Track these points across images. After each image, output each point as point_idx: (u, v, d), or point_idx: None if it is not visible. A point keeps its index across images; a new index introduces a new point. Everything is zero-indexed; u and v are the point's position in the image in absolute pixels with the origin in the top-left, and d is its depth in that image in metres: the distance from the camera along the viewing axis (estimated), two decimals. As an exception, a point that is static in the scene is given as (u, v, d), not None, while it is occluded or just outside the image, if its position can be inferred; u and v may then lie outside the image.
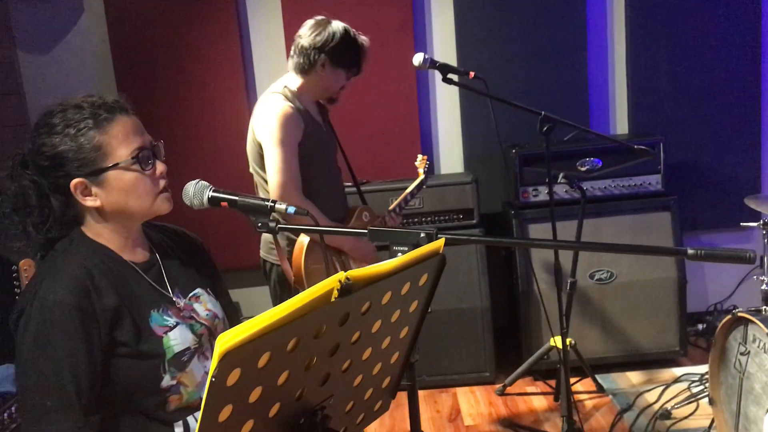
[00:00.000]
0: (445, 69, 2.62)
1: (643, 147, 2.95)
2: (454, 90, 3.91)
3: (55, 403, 1.38)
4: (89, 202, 1.50)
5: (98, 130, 1.47)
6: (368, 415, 1.45)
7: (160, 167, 1.55)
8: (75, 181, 1.48)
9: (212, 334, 1.63)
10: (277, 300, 2.66)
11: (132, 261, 1.57)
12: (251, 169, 2.58)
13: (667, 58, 3.91)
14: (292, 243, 2.49)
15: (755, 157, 4.01)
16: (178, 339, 1.53)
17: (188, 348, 1.54)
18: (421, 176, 3.04)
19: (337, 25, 2.53)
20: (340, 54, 2.53)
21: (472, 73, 2.67)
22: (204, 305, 1.65)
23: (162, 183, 1.55)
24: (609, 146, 3.54)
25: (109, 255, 1.54)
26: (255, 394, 1.04)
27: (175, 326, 1.54)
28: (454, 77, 2.63)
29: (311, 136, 2.51)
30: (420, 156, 3.10)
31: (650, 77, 3.94)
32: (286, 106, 2.44)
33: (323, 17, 2.56)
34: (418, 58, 2.61)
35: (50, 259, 1.50)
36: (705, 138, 3.97)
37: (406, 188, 2.98)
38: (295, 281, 2.44)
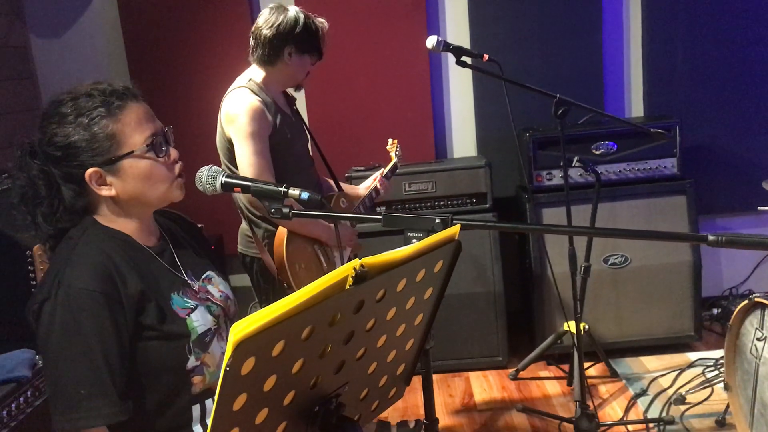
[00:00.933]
0: (458, 52, 2.59)
1: (659, 130, 2.90)
2: (467, 73, 3.88)
3: (90, 390, 1.38)
4: (105, 191, 1.49)
5: (111, 118, 1.46)
6: (383, 402, 1.45)
7: (174, 153, 1.55)
8: (90, 171, 1.46)
9: (227, 315, 1.65)
10: (261, 293, 2.63)
11: (146, 245, 1.57)
12: (222, 165, 2.52)
13: (684, 40, 3.85)
14: (271, 235, 2.46)
15: (773, 140, 3.95)
16: (199, 320, 1.54)
17: (209, 329, 1.56)
18: (394, 160, 3.01)
19: (296, 11, 2.47)
20: (305, 40, 2.48)
21: (486, 56, 2.64)
22: (216, 287, 1.67)
23: (177, 168, 1.55)
24: (624, 129, 3.49)
25: (126, 240, 1.53)
26: (269, 383, 1.04)
27: (195, 308, 1.55)
28: (468, 60, 2.60)
29: (280, 128, 2.48)
30: (390, 140, 3.06)
31: (666, 59, 3.88)
32: (253, 100, 2.40)
33: (278, 4, 2.50)
34: (431, 41, 2.58)
35: (66, 247, 1.49)
36: (722, 121, 3.91)
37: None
38: (278, 273, 2.42)
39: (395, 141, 3.06)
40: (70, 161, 1.46)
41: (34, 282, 2.52)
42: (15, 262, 2.74)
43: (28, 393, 2.36)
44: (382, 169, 2.96)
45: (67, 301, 1.39)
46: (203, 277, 1.66)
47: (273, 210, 1.52)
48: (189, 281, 1.60)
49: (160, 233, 1.64)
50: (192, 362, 1.51)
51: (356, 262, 1.07)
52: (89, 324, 1.39)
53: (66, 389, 1.39)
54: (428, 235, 1.30)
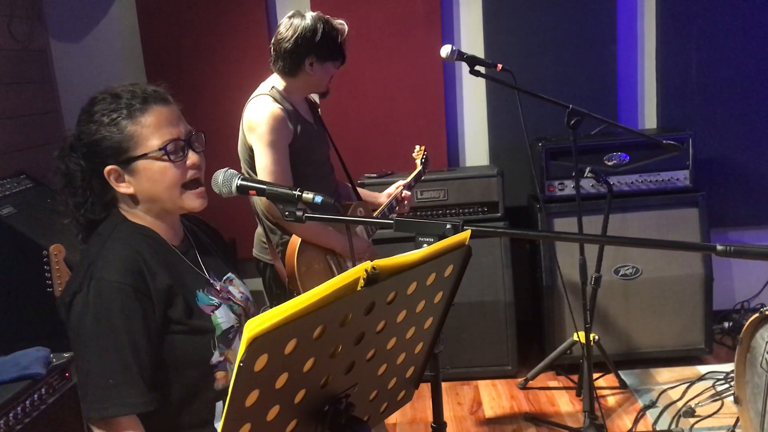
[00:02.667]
0: (472, 61, 2.61)
1: (672, 142, 2.91)
2: (481, 82, 3.90)
3: (119, 380, 1.42)
4: (123, 188, 1.55)
5: (131, 120, 1.52)
6: (391, 404, 1.47)
7: (192, 158, 1.57)
8: (108, 168, 1.53)
9: (247, 315, 1.69)
10: (273, 298, 2.63)
11: (172, 244, 1.63)
12: (242, 170, 2.54)
13: (698, 51, 3.85)
14: (285, 243, 2.47)
15: (787, 153, 3.94)
16: (223, 317, 1.59)
17: (232, 326, 1.61)
18: (418, 168, 2.97)
19: (313, 17, 2.44)
20: (326, 48, 2.46)
21: (499, 66, 2.66)
22: (237, 288, 1.73)
23: (191, 174, 1.57)
24: (637, 141, 3.50)
25: (154, 237, 1.59)
26: (281, 380, 1.06)
27: (219, 306, 1.61)
28: (482, 69, 2.62)
29: (301, 136, 2.47)
30: (417, 147, 3.02)
31: (680, 71, 3.88)
32: (275, 108, 2.40)
33: (296, 11, 2.47)
34: (445, 50, 2.59)
35: (96, 242, 1.55)
36: (735, 133, 3.91)
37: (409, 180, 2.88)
38: (288, 281, 2.43)
39: (423, 147, 3.02)
40: (94, 157, 1.54)
41: (50, 282, 2.55)
42: (31, 262, 2.78)
43: (42, 390, 2.39)
44: (406, 177, 2.90)
45: (98, 293, 1.44)
46: (225, 278, 1.71)
47: (287, 213, 1.54)
48: (211, 281, 1.66)
49: (184, 234, 1.69)
50: (216, 357, 1.56)
51: (368, 264, 1.09)
52: (119, 316, 1.44)
53: (96, 379, 1.43)
54: (439, 240, 1.32)
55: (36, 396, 2.35)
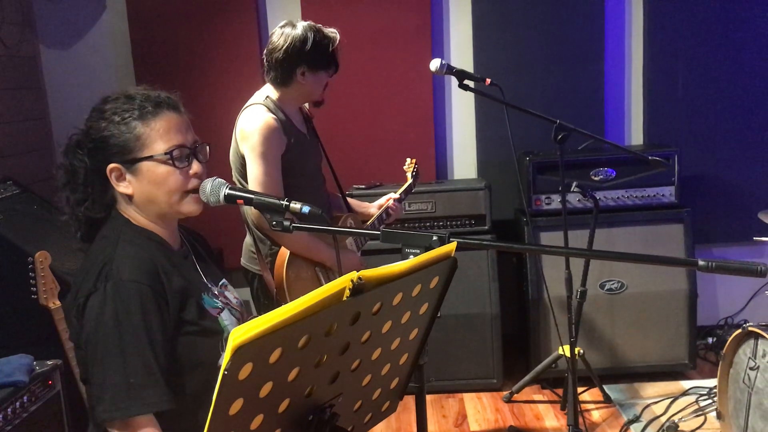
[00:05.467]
0: (461, 75, 2.63)
1: (657, 158, 2.95)
2: (470, 96, 3.92)
3: (140, 380, 1.42)
4: (122, 188, 1.57)
5: (141, 122, 1.54)
6: (376, 415, 1.47)
7: (196, 167, 1.60)
8: (111, 165, 1.55)
9: (243, 320, 1.70)
10: (260, 308, 2.63)
11: (174, 249, 1.65)
12: (234, 179, 2.54)
13: (685, 70, 3.91)
14: (275, 253, 2.47)
15: (770, 171, 3.99)
16: (228, 320, 1.62)
17: None
18: (409, 181, 2.99)
19: (304, 27, 2.44)
20: (317, 57, 2.46)
21: (488, 80, 2.68)
22: (232, 293, 1.76)
23: (193, 183, 1.59)
24: (623, 156, 3.53)
25: (160, 242, 1.61)
26: (266, 389, 1.06)
27: (223, 309, 1.63)
28: (471, 83, 2.64)
29: (294, 147, 2.48)
30: (408, 160, 3.03)
31: (667, 88, 3.93)
32: (268, 118, 2.40)
33: (288, 21, 2.48)
34: (435, 64, 2.61)
35: (105, 244, 1.55)
36: (720, 151, 3.95)
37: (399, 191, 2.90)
38: (276, 292, 2.43)
39: (414, 161, 3.03)
40: (99, 154, 1.56)
41: (35, 289, 2.53)
42: (16, 268, 2.76)
43: (25, 398, 2.37)
44: (397, 190, 2.92)
45: (116, 293, 1.45)
46: (220, 284, 1.75)
47: (274, 222, 1.54)
48: (210, 285, 1.68)
49: (182, 240, 1.72)
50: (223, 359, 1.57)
51: (354, 275, 1.10)
52: (138, 315, 1.45)
53: (115, 378, 1.43)
54: (425, 252, 1.33)
55: (18, 404, 2.33)
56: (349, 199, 2.84)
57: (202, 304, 1.58)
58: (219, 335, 1.58)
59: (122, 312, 1.44)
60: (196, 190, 1.60)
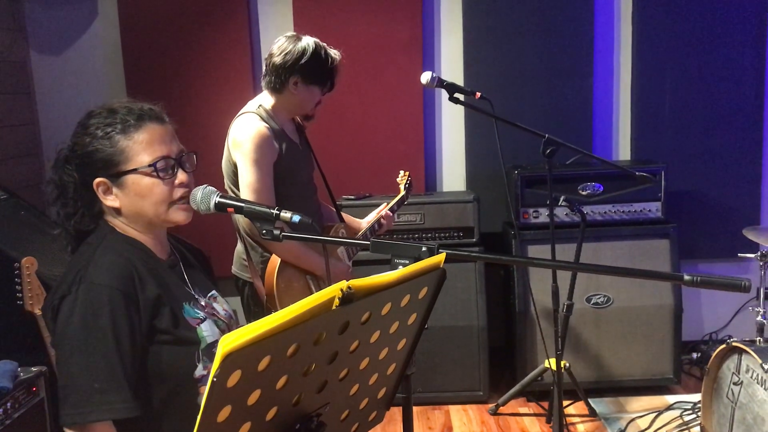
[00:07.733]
0: (451, 88, 2.64)
1: (644, 174, 2.97)
2: (460, 109, 3.95)
3: (104, 385, 1.41)
4: (109, 201, 1.57)
5: (124, 135, 1.54)
6: (363, 425, 1.47)
7: (181, 177, 1.60)
8: (97, 180, 1.55)
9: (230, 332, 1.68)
10: (251, 316, 2.62)
11: (160, 258, 1.64)
12: (226, 186, 2.55)
13: (672, 88, 3.96)
14: (266, 261, 2.47)
15: (755, 188, 4.04)
16: (209, 331, 1.60)
17: (216, 341, 1.60)
18: (402, 193, 3.00)
19: (308, 41, 2.47)
20: (313, 71, 2.48)
21: (478, 94, 2.70)
22: (221, 305, 1.75)
23: (179, 192, 1.59)
24: (611, 171, 3.57)
25: (143, 249, 1.61)
26: (254, 397, 1.06)
27: (204, 320, 1.62)
28: (461, 97, 2.66)
29: (286, 156, 2.48)
30: (402, 172, 3.05)
31: (654, 105, 3.98)
32: (261, 127, 2.42)
33: (294, 33, 2.52)
34: (425, 77, 2.63)
35: (86, 250, 1.56)
36: (706, 168, 4.00)
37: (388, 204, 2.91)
38: (266, 299, 2.43)
39: (407, 173, 3.05)
40: (85, 169, 1.56)
41: (20, 295, 2.52)
42: (1, 274, 2.74)
43: (9, 405, 2.35)
44: (389, 201, 2.92)
45: (87, 296, 1.45)
46: (209, 295, 1.73)
47: (264, 231, 1.54)
48: (197, 296, 1.67)
49: (171, 249, 1.71)
50: (200, 371, 1.56)
51: (343, 284, 1.10)
52: (106, 319, 1.44)
53: (79, 382, 1.42)
54: (414, 262, 1.34)
55: (2, 410, 2.31)
56: (342, 213, 2.85)
57: (180, 313, 1.57)
58: (195, 346, 1.56)
59: (90, 315, 1.44)
60: (183, 199, 1.60)
